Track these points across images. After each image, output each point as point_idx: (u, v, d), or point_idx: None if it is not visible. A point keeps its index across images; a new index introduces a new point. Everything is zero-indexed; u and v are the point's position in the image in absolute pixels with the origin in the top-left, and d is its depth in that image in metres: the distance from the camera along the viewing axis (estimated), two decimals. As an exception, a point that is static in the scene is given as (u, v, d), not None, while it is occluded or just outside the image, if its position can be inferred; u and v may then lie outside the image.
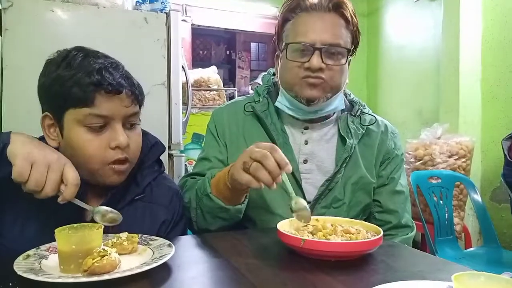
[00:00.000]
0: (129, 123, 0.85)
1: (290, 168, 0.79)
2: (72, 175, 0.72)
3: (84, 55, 0.83)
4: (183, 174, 1.87)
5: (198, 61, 3.39)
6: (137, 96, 0.86)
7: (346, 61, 1.04)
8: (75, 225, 0.68)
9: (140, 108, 0.89)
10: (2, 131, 1.50)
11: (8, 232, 0.81)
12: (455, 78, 2.68)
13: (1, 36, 1.45)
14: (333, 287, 0.60)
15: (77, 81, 0.79)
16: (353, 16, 1.04)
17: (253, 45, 6.79)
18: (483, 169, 2.73)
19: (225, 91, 3.48)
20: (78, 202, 0.74)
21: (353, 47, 1.06)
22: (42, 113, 0.85)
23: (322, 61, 0.99)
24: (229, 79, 6.13)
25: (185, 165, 2.18)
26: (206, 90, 3.34)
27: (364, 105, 1.18)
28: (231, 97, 3.67)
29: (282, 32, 1.09)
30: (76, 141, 0.80)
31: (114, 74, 0.81)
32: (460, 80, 2.65)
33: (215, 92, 3.41)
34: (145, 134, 0.95)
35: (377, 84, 3.72)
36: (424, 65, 3.14)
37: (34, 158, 0.69)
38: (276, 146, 0.81)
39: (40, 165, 0.69)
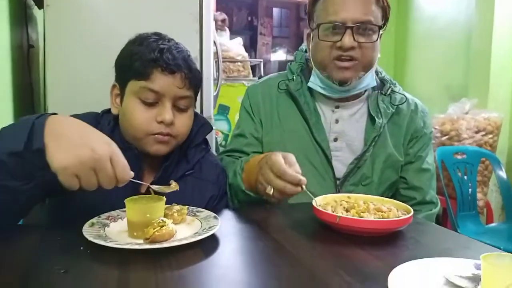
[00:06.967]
0: (180, 105, 0.91)
1: (304, 181, 0.82)
2: (120, 172, 0.69)
3: (157, 38, 0.91)
4: (214, 146, 1.93)
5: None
6: (191, 80, 0.91)
7: (378, 38, 1.05)
8: (135, 197, 0.76)
9: (195, 94, 0.95)
10: (45, 113, 1.57)
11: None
12: (487, 52, 2.61)
13: (43, 12, 1.50)
14: (369, 261, 0.66)
15: (141, 56, 0.88)
16: None
17: (275, 11, 6.63)
18: (510, 145, 2.70)
19: (250, 62, 3.50)
20: (135, 181, 0.76)
21: (383, 22, 1.07)
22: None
23: (354, 39, 1.01)
24: (250, 46, 6.03)
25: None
26: (231, 62, 3.37)
27: (395, 83, 1.19)
28: (253, 66, 3.67)
29: (313, 11, 1.10)
30: (129, 110, 0.89)
31: (175, 55, 0.89)
32: (492, 55, 2.59)
33: (239, 63, 3.43)
34: (196, 115, 1.01)
35: (405, 57, 3.64)
36: (455, 37, 3.04)
37: (75, 170, 0.65)
38: (293, 158, 0.86)
39: (85, 175, 0.66)
